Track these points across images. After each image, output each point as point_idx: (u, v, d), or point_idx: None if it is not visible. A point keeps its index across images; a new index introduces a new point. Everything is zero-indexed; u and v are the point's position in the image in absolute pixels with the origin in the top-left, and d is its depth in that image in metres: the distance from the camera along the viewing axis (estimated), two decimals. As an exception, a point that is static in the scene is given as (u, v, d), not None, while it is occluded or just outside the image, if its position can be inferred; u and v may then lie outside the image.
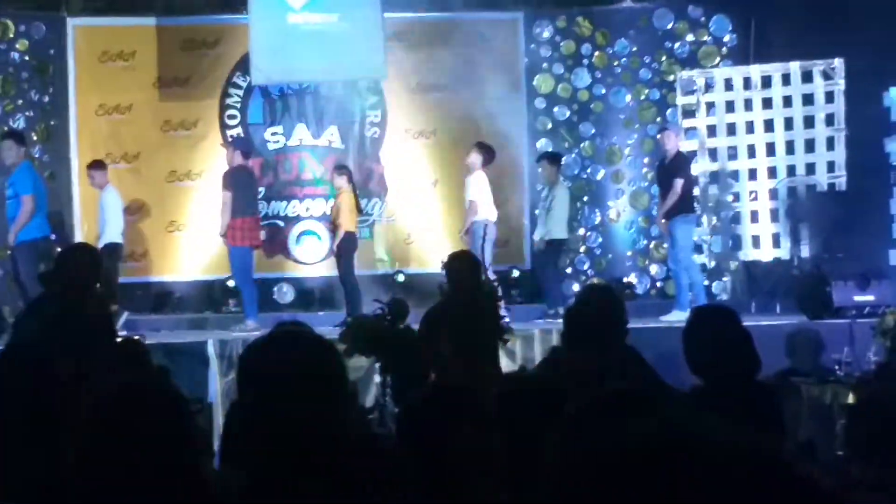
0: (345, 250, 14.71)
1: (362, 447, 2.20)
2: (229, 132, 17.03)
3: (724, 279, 16.47)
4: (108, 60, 16.91)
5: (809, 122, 16.06)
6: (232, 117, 17.18)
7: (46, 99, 16.83)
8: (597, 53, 17.68)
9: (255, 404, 3.43)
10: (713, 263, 16.53)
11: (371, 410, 8.80)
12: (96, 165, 15.23)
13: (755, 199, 16.40)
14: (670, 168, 14.64)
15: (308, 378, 3.13)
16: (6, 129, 15.34)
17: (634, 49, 17.61)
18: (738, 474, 1.29)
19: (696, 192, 15.87)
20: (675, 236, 14.48)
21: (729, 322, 5.72)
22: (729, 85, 16.52)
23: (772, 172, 16.25)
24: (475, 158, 14.68)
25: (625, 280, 17.09)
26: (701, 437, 1.34)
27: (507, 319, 8.71)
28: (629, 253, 17.56)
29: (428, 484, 2.15)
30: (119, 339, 9.73)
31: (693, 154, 16.20)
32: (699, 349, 5.54)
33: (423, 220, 17.16)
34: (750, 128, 16.35)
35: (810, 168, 16.00)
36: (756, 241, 16.32)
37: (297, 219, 17.18)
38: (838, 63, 15.81)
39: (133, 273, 15.99)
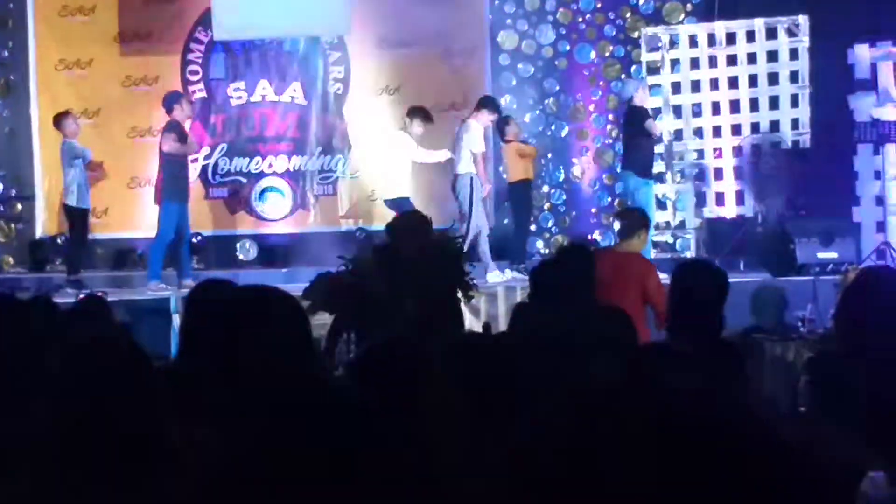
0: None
1: (328, 396, 2.16)
2: (191, 88, 16.90)
3: (688, 236, 16.49)
4: (69, 15, 16.77)
5: (774, 79, 16.07)
6: (194, 73, 17.06)
7: (6, 54, 16.69)
8: (561, 10, 17.61)
9: (220, 360, 3.41)
10: (677, 221, 16.55)
11: (335, 367, 8.78)
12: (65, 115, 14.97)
13: (719, 156, 16.43)
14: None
15: (272, 333, 3.11)
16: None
17: (599, 5, 17.56)
18: (703, 422, 1.27)
19: (658, 149, 15.90)
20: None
21: (706, 277, 5.74)
22: (693, 42, 16.51)
23: (736, 129, 16.28)
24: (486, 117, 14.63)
25: (589, 237, 17.08)
26: (668, 385, 1.31)
27: (471, 277, 8.67)
28: (593, 210, 17.56)
29: (388, 434, 2.13)
30: (81, 296, 9.67)
31: (657, 110, 16.19)
32: (686, 306, 5.55)
33: (386, 177, 17.08)
34: (714, 84, 16.36)
35: (774, 125, 16.02)
36: (720, 198, 16.35)
37: (261, 175, 17.08)
38: (803, 20, 15.81)
39: (94, 230, 15.87)
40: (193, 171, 15.94)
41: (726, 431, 1.26)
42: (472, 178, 14.05)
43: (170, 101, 14.49)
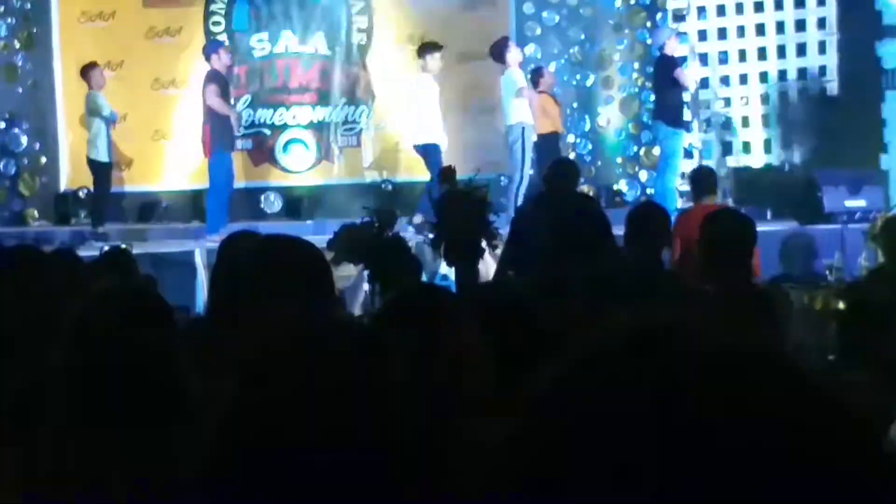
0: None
1: (352, 341, 2.14)
2: (214, 39, 16.85)
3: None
4: (91, -34, 16.73)
5: (801, 25, 15.96)
6: (216, 24, 17.00)
7: (28, 6, 16.65)
8: (586, -44, 17.49)
9: (241, 309, 3.39)
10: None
11: (360, 318, 8.78)
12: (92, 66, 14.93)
13: (746, 104, 16.33)
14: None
15: (296, 281, 3.09)
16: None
17: (624, -48, 17.43)
18: (731, 365, 1.23)
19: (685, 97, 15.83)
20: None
21: (732, 225, 5.72)
22: (720, -12, 16.40)
23: (763, 77, 16.18)
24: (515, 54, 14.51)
25: (615, 187, 17.01)
26: (699, 333, 1.28)
27: (496, 225, 8.65)
28: (619, 160, 17.47)
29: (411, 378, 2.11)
30: (105, 249, 9.68)
31: (683, 59, 16.09)
32: (715, 253, 5.53)
33: (410, 128, 17.06)
34: (741, 32, 16.26)
35: (802, 73, 15.92)
36: (747, 146, 16.27)
37: (285, 127, 17.04)
38: (830, -34, 15.69)
39: (118, 182, 15.86)
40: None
41: (757, 376, 1.22)
42: (523, 129, 13.96)
43: (207, 50, 14.54)
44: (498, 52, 14.32)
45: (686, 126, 14.80)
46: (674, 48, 14.67)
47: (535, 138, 14.26)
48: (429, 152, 14.27)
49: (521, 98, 14.07)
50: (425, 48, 14.66)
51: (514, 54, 14.26)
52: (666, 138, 14.36)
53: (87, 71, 14.54)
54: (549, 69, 16.13)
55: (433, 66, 14.50)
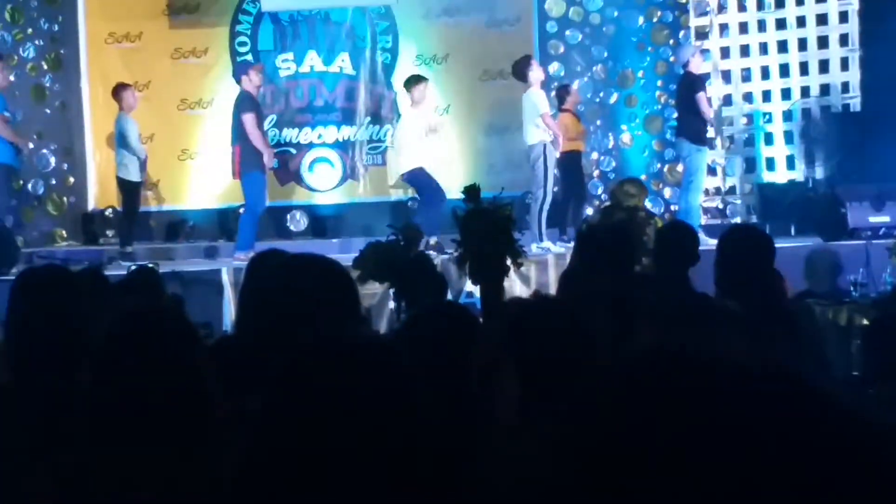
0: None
1: (373, 361, 2.19)
2: (240, 59, 16.95)
3: (738, 202, 16.43)
4: (118, -12, 16.84)
5: (823, 42, 15.97)
6: (242, 44, 17.10)
7: (56, 28, 16.76)
8: (609, -25, 17.53)
9: (269, 328, 3.43)
10: (727, 186, 16.48)
11: (386, 335, 8.83)
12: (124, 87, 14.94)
13: (769, 121, 16.34)
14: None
15: (323, 300, 3.13)
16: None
17: (647, -30, 17.46)
18: (757, 383, 1.27)
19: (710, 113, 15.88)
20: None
21: (761, 243, 5.73)
22: (742, 6, 16.43)
23: (786, 94, 16.20)
24: (537, 73, 14.44)
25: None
26: (724, 357, 1.31)
27: (521, 244, 8.68)
28: (643, 177, 17.45)
29: (436, 394, 2.15)
30: (133, 268, 9.75)
31: (706, 76, 16.13)
32: (731, 270, 5.54)
33: (435, 146, 17.11)
34: (763, 49, 16.28)
35: (824, 89, 15.93)
36: (770, 163, 16.28)
37: (310, 146, 17.13)
38: (852, -18, 15.70)
39: (146, 202, 15.94)
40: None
41: (781, 394, 1.27)
42: (544, 146, 13.93)
43: (238, 72, 14.56)
44: (520, 70, 14.30)
45: (709, 143, 14.80)
46: (698, 65, 14.65)
47: (557, 156, 14.24)
48: (415, 177, 14.30)
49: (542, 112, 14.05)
50: (412, 81, 14.64)
51: (536, 73, 14.23)
52: (689, 155, 14.35)
53: (118, 91, 14.55)
54: (574, 87, 16.17)
55: (419, 98, 14.48)
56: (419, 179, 14.31)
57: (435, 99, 15.08)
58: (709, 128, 14.63)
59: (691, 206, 14.26)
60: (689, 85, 14.48)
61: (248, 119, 13.88)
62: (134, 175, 14.35)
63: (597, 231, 6.63)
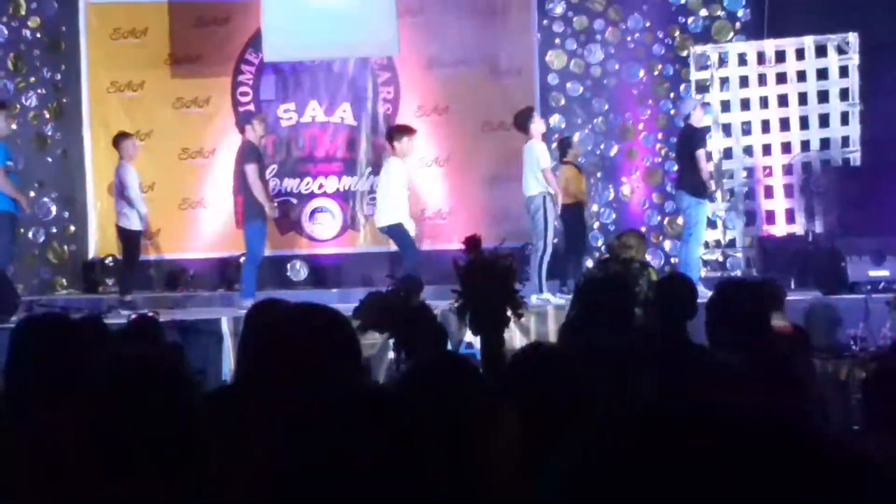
0: None
1: (375, 411, 2.18)
2: (241, 109, 17.00)
3: (738, 255, 16.43)
4: (121, 37, 16.90)
5: (824, 96, 16.02)
6: (244, 94, 17.16)
7: (59, 76, 16.84)
8: (610, 29, 17.62)
9: (269, 377, 3.43)
10: (727, 239, 16.50)
11: (385, 385, 8.81)
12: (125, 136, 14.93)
13: (769, 174, 16.38)
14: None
15: (324, 350, 3.12)
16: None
17: (648, 24, 17.54)
18: (763, 437, 1.27)
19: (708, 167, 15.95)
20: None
21: (754, 296, 5.71)
22: (743, 60, 16.48)
23: (786, 148, 16.23)
24: (536, 126, 14.41)
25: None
26: (733, 412, 1.31)
27: (521, 295, 8.66)
28: (643, 229, 17.46)
29: (436, 444, 2.15)
30: (133, 317, 9.74)
31: (707, 129, 16.21)
32: (723, 324, 5.52)
33: (435, 197, 17.15)
34: (764, 103, 16.32)
35: (825, 143, 15.98)
36: (770, 216, 16.29)
37: (311, 196, 17.16)
38: (853, 37, 15.76)
39: (146, 251, 15.95)
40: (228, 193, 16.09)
41: (787, 446, 1.26)
42: (544, 198, 13.89)
43: (242, 121, 14.57)
44: (522, 122, 14.31)
45: (709, 196, 14.84)
46: (699, 119, 14.71)
47: (559, 209, 14.23)
48: (393, 232, 14.25)
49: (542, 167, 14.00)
50: (397, 132, 14.61)
51: (537, 125, 14.23)
52: (689, 207, 14.39)
53: (119, 141, 14.51)
54: (575, 139, 16.21)
55: (405, 150, 14.42)
56: (401, 233, 14.27)
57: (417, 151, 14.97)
58: (708, 181, 14.65)
59: (691, 259, 14.28)
60: (689, 139, 14.53)
61: (251, 170, 13.91)
62: (134, 224, 14.34)
63: (595, 284, 6.63)
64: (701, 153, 14.32)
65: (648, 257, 16.76)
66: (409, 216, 14.49)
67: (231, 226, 15.09)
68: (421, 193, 17.02)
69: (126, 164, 14.39)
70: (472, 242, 8.88)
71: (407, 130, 14.59)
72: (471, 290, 7.68)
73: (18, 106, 16.28)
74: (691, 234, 14.43)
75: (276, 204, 15.12)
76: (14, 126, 15.11)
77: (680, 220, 16.32)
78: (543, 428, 2.98)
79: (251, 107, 17.02)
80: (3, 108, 13.57)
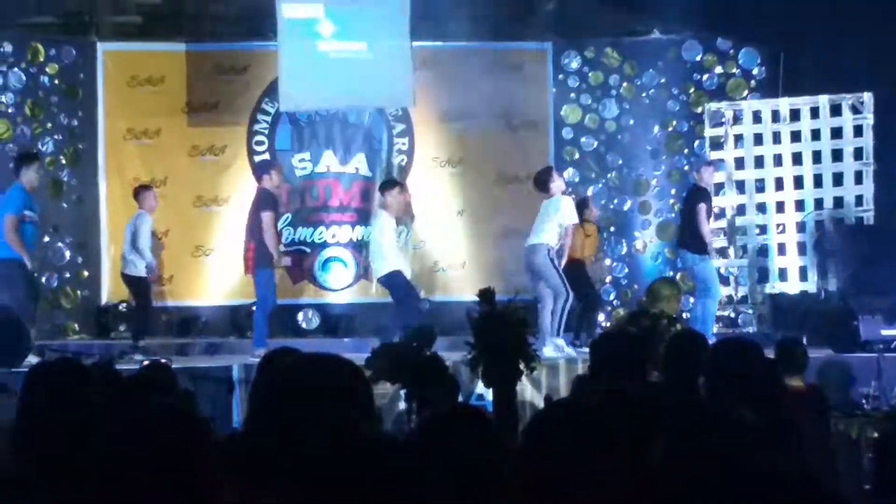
0: None
1: (388, 463, 2.19)
2: (257, 158, 17.07)
3: (750, 312, 16.40)
4: (137, 85, 17.00)
5: (838, 155, 16.02)
6: (260, 143, 17.22)
7: (75, 123, 16.91)
8: (625, 84, 17.68)
9: (281, 425, 3.43)
10: (740, 295, 16.47)
11: (394, 436, 8.81)
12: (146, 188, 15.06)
13: (783, 231, 16.37)
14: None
15: (336, 400, 3.12)
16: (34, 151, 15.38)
17: (663, 80, 17.60)
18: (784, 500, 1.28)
19: (721, 224, 16.01)
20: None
21: (753, 354, 5.71)
22: (757, 117, 16.50)
23: (799, 205, 16.22)
24: (558, 184, 14.27)
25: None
26: (748, 467, 1.32)
27: (534, 348, 8.68)
28: (657, 285, 17.48)
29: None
30: (145, 363, 9.74)
31: (720, 186, 16.28)
32: (723, 382, 5.50)
33: (449, 249, 17.16)
34: (778, 160, 16.32)
35: (838, 202, 15.96)
36: (783, 273, 16.27)
37: (324, 245, 17.19)
38: (867, 97, 15.77)
39: (158, 297, 15.97)
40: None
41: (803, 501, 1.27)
42: (548, 250, 13.70)
43: (260, 171, 14.60)
44: (542, 181, 14.14)
45: (720, 252, 14.82)
46: (705, 178, 14.81)
47: (563, 262, 13.99)
48: (394, 280, 14.24)
49: (558, 224, 13.84)
50: (386, 185, 14.65)
51: (558, 183, 14.03)
52: (695, 265, 14.47)
53: (140, 192, 14.70)
54: (587, 192, 16.23)
55: (392, 202, 14.39)
56: (394, 280, 14.24)
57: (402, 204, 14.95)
58: (708, 238, 14.63)
59: (708, 313, 14.31)
60: (692, 196, 14.64)
61: (268, 218, 13.97)
62: (141, 271, 14.40)
63: (611, 338, 6.63)
64: (701, 209, 14.38)
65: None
66: (401, 264, 14.50)
67: (243, 274, 15.08)
68: (435, 245, 17.07)
69: (145, 213, 14.49)
70: (486, 295, 8.92)
71: (394, 183, 14.71)
72: (484, 343, 7.71)
73: (35, 151, 16.37)
74: (707, 290, 14.46)
75: (287, 253, 15.17)
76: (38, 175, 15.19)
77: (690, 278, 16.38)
78: (564, 485, 2.97)
79: (266, 156, 17.09)
80: (34, 161, 13.73)
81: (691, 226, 14.57)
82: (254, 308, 14.80)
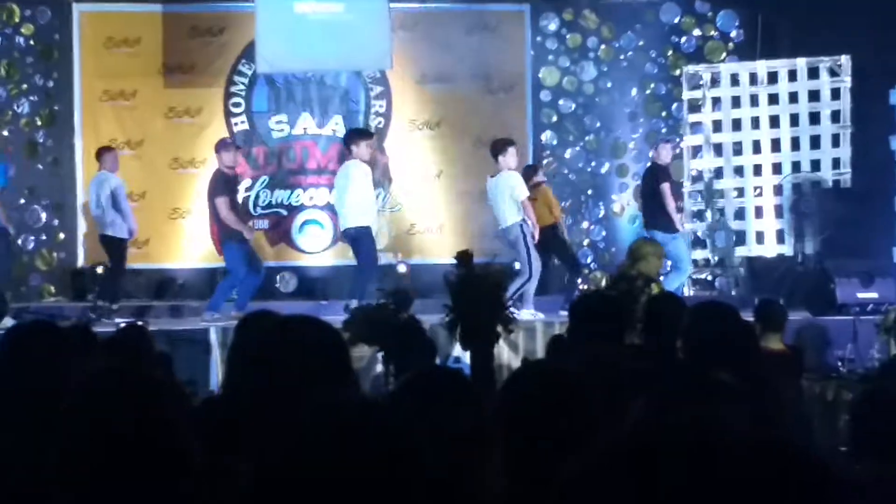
0: None
1: (365, 423, 2.18)
2: (233, 120, 17.01)
3: (728, 275, 16.44)
4: (113, 46, 16.90)
5: (815, 118, 16.05)
6: (236, 105, 17.16)
7: (51, 84, 16.83)
8: (603, 47, 17.65)
9: (259, 389, 3.42)
10: (716, 259, 16.51)
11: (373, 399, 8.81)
12: (108, 149, 15.03)
13: (760, 194, 16.40)
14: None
15: (315, 362, 3.12)
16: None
17: (641, 43, 17.59)
18: (766, 465, 1.27)
19: (698, 187, 16.04)
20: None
21: (730, 318, 5.71)
22: (735, 80, 16.51)
23: (777, 168, 16.25)
24: (508, 159, 14.17)
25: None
26: (729, 431, 1.32)
27: (511, 310, 8.69)
28: (632, 247, 17.50)
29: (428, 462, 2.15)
30: (122, 325, 9.72)
31: (698, 149, 16.32)
32: (700, 346, 5.51)
33: (426, 211, 17.15)
34: (755, 123, 16.34)
35: (815, 165, 16.00)
36: (760, 236, 16.31)
37: (301, 208, 17.14)
38: (845, 60, 15.80)
39: (135, 259, 15.92)
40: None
41: (782, 464, 1.26)
42: (521, 226, 13.70)
43: (218, 147, 14.43)
44: (496, 151, 14.09)
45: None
46: (663, 156, 14.85)
47: (537, 235, 13.95)
48: (360, 235, 14.14)
49: (514, 200, 13.82)
50: (353, 135, 14.49)
51: (508, 159, 13.97)
52: (667, 244, 14.46)
53: (104, 153, 14.66)
54: (564, 155, 16.21)
55: (362, 153, 14.24)
56: (366, 239, 14.15)
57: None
58: (675, 214, 14.65)
59: (676, 288, 14.30)
60: (653, 176, 14.67)
61: (222, 204, 13.84)
62: (121, 232, 14.36)
63: (589, 299, 6.63)
64: (665, 187, 14.43)
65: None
66: (376, 220, 14.47)
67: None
68: (412, 208, 17.05)
69: (113, 175, 14.43)
70: (464, 257, 8.91)
71: (363, 134, 14.59)
72: (462, 305, 7.71)
73: (10, 112, 16.28)
74: (678, 267, 14.58)
75: (252, 225, 15.14)
76: (6, 133, 15.12)
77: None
78: (540, 448, 2.97)
79: (243, 118, 17.04)
80: None
81: (657, 206, 14.58)
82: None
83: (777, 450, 1.27)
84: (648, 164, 15.43)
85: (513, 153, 14.06)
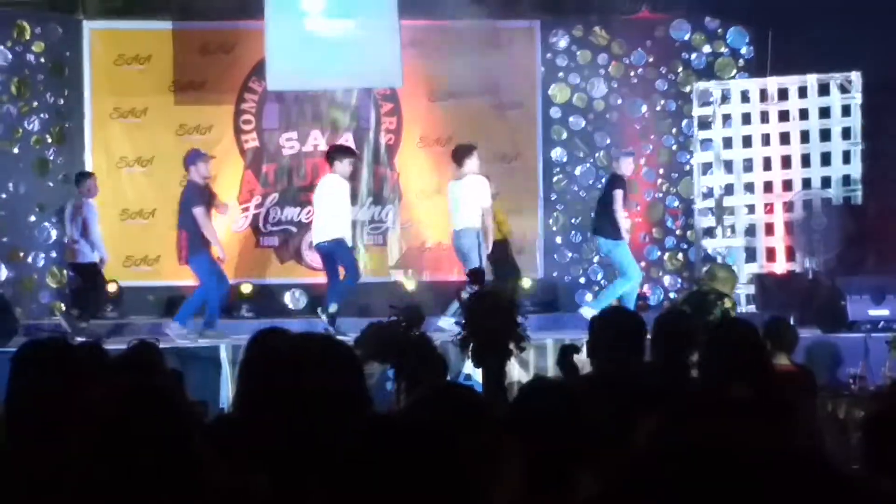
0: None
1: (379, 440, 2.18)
2: (244, 137, 17.03)
3: (738, 291, 16.41)
4: (124, 63, 16.94)
5: (826, 135, 16.03)
6: (247, 122, 17.18)
7: (61, 101, 16.85)
8: (613, 63, 17.65)
9: (275, 407, 3.41)
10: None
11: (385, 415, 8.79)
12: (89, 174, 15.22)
13: (770, 211, 16.36)
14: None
15: (330, 382, 3.11)
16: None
17: (651, 60, 17.58)
18: (786, 478, 1.26)
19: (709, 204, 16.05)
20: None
21: (749, 336, 5.71)
22: (745, 97, 16.50)
23: (787, 185, 16.22)
24: (473, 164, 14.35)
25: (638, 291, 17.01)
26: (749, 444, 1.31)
27: (524, 328, 8.66)
28: (643, 264, 17.47)
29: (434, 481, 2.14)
30: (133, 343, 9.72)
31: (709, 166, 16.33)
32: (718, 364, 5.50)
33: (437, 228, 17.14)
34: (766, 140, 16.33)
35: (826, 181, 15.97)
36: (771, 253, 16.28)
37: (311, 225, 17.13)
38: (855, 76, 15.78)
39: (145, 277, 15.94)
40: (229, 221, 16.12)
41: (797, 478, 1.26)
42: (478, 234, 13.88)
43: (187, 161, 14.42)
44: (460, 156, 14.29)
45: (625, 237, 14.93)
46: (624, 169, 14.96)
47: (490, 247, 14.12)
48: (335, 247, 14.24)
49: (478, 205, 14.00)
50: (338, 151, 14.55)
51: (471, 165, 14.20)
52: (610, 251, 14.60)
53: (85, 179, 14.98)
54: (575, 172, 16.22)
55: (343, 170, 14.28)
56: (342, 250, 14.27)
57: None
58: (622, 223, 14.73)
59: (626, 293, 14.41)
60: (610, 184, 14.80)
61: (199, 213, 13.88)
62: (90, 257, 14.49)
63: (611, 316, 6.62)
64: (618, 194, 14.51)
65: (648, 291, 16.80)
66: (349, 232, 14.54)
67: (231, 253, 15.05)
68: (422, 224, 17.05)
69: (90, 202, 14.54)
70: (476, 275, 8.90)
71: (347, 151, 14.63)
72: (475, 323, 7.68)
73: (21, 130, 16.31)
74: (625, 273, 14.66)
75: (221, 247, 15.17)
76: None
77: (680, 256, 16.45)
78: (550, 463, 2.97)
79: (253, 135, 17.06)
80: None
81: (607, 212, 14.66)
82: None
83: (804, 464, 1.26)
84: (611, 174, 15.47)
85: (475, 158, 14.18)
